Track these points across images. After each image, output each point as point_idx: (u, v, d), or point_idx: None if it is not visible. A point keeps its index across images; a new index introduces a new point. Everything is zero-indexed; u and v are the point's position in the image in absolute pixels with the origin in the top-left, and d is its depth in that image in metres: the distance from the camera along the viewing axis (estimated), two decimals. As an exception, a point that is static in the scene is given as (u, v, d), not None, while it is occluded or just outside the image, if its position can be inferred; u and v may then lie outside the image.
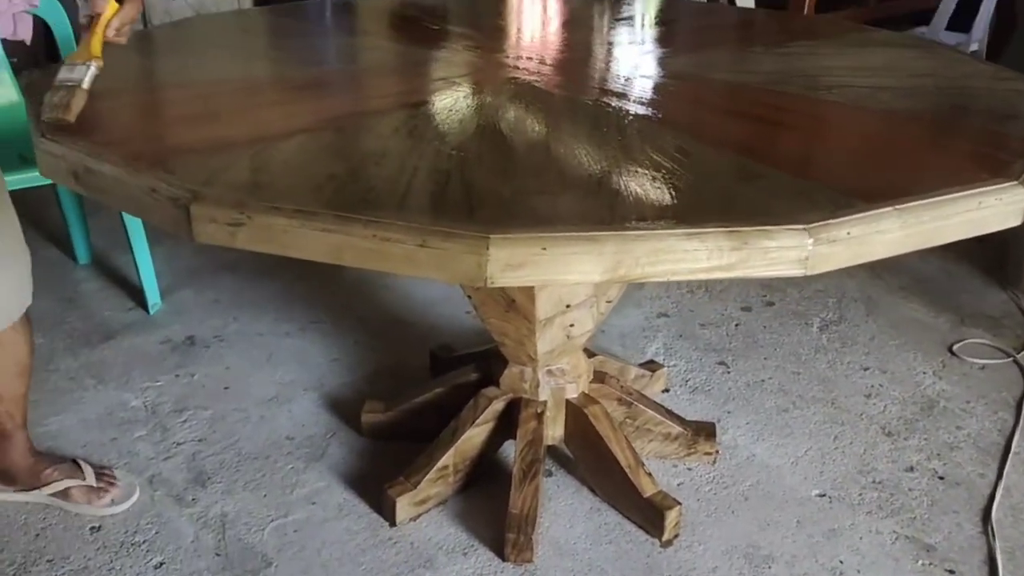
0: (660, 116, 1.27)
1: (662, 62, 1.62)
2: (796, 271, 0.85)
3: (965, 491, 1.66)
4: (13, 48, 2.27)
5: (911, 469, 1.72)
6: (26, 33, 2.35)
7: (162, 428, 1.82)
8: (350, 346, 2.11)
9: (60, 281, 2.40)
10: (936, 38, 3.30)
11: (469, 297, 1.55)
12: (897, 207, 0.88)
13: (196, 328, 2.18)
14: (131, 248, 2.21)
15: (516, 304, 1.49)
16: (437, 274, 0.83)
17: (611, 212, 0.89)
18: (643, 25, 1.91)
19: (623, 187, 0.95)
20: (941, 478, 1.70)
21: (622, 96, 1.35)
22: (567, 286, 1.45)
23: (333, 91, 1.43)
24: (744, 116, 1.28)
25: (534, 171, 1.04)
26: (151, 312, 2.25)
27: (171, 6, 3.74)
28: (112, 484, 1.59)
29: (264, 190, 0.94)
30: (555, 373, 1.63)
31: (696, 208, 0.92)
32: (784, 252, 0.84)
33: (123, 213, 2.15)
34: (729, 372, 2.03)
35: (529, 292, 1.46)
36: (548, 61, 1.60)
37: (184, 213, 0.87)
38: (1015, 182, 0.95)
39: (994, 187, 0.94)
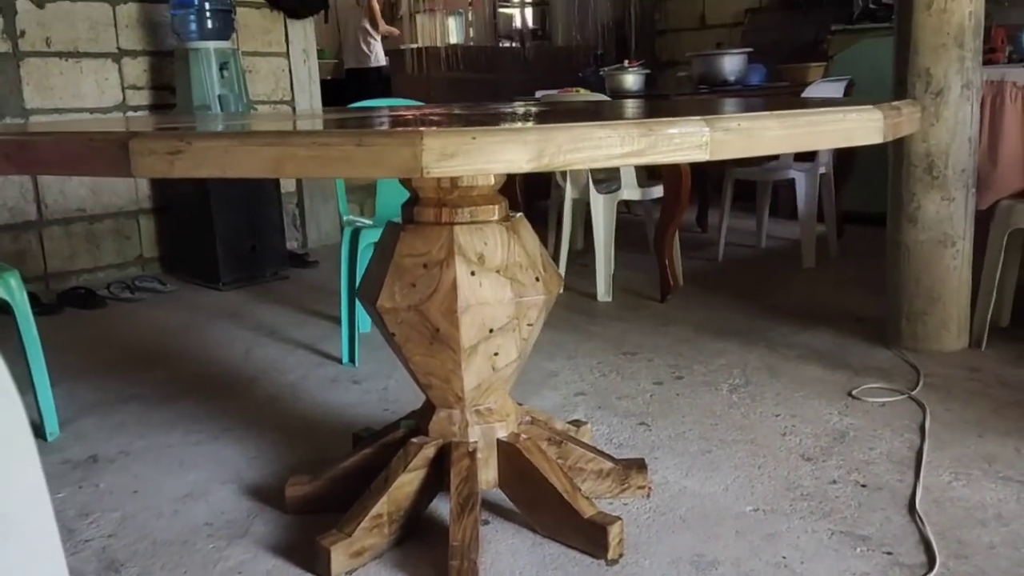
0: (561, 112, 1.40)
1: (552, 107, 1.79)
2: (699, 155, 0.94)
3: (888, 493, 1.71)
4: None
5: (834, 482, 1.76)
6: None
7: (66, 530, 1.69)
8: (268, 445, 2.05)
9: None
10: (788, 167, 3.66)
11: (392, 335, 1.56)
12: (776, 112, 1.01)
13: (99, 448, 2.08)
14: (30, 377, 2.12)
15: (440, 333, 1.52)
16: (374, 170, 0.88)
17: (533, 121, 0.98)
18: (527, 102, 2.10)
19: (539, 118, 1.05)
20: (863, 486, 1.75)
21: (522, 111, 1.48)
22: (488, 306, 1.50)
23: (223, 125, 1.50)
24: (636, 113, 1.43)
25: (461, 118, 1.13)
26: (49, 440, 2.13)
27: (65, 187, 3.79)
28: None
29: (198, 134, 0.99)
30: (483, 413, 1.64)
31: (608, 119, 1.02)
32: (686, 138, 0.94)
33: (23, 337, 2.10)
34: (650, 430, 2.07)
35: (453, 318, 1.50)
36: (448, 113, 1.75)
37: (123, 150, 0.90)
38: (873, 106, 1.10)
39: (857, 108, 1.08)
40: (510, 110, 1.73)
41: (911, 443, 1.94)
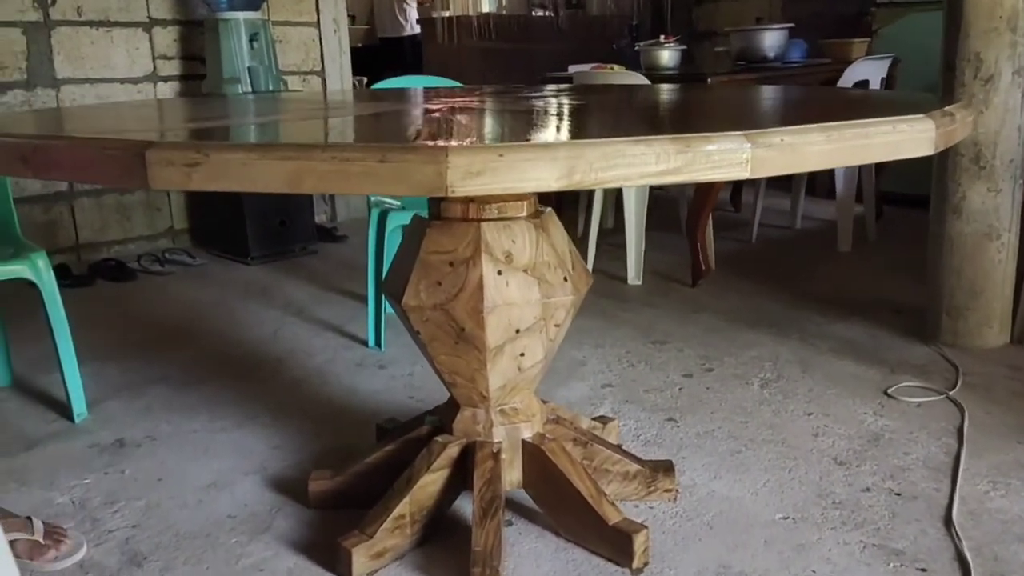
0: (595, 111, 1.34)
1: (578, 97, 1.72)
2: (739, 173, 0.89)
3: (923, 503, 1.66)
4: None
5: (868, 489, 1.72)
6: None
7: (91, 519, 1.69)
8: (292, 434, 2.04)
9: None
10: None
11: (417, 333, 1.53)
12: (822, 125, 0.95)
13: (125, 432, 2.08)
14: (58, 359, 2.13)
15: (466, 333, 1.49)
16: (398, 187, 0.84)
17: (564, 134, 0.93)
18: (559, 89, 2.03)
19: (570, 127, 1.00)
20: (898, 495, 1.70)
21: (550, 105, 1.43)
22: (515, 307, 1.46)
23: (251, 115, 1.45)
24: (670, 111, 1.36)
25: (486, 129, 1.08)
26: (76, 421, 2.14)
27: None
28: (59, 542, 1.54)
29: (214, 139, 0.95)
30: (508, 413, 1.61)
31: (642, 130, 0.97)
32: (726, 155, 0.89)
33: (51, 320, 2.10)
34: (678, 426, 2.03)
35: (478, 318, 1.46)
36: (477, 103, 1.69)
37: (140, 161, 0.87)
38: (924, 115, 1.04)
39: (907, 117, 1.02)
40: (541, 100, 1.68)
41: (948, 448, 1.88)
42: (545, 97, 1.78)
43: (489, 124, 1.16)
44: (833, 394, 2.18)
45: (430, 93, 2.02)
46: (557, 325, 1.54)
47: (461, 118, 1.31)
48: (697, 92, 1.81)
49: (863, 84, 3.46)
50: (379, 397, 2.25)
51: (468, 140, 0.94)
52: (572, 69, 3.87)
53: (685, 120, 1.20)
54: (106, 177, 0.91)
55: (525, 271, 1.48)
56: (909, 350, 2.47)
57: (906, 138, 1.01)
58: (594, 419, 1.93)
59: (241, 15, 3.70)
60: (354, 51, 4.95)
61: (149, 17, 3.90)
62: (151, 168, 0.87)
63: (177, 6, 3.97)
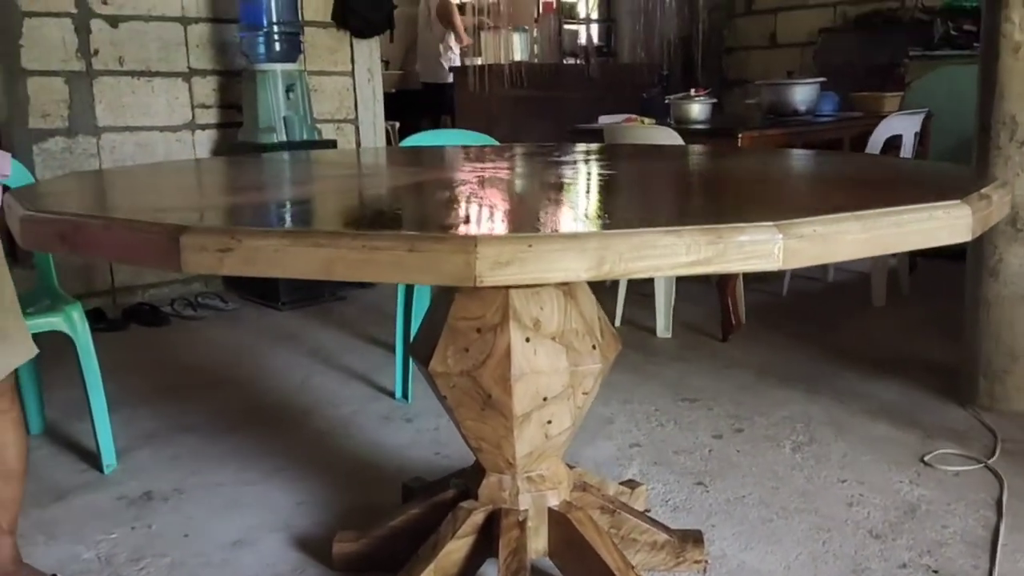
0: (625, 184, 1.34)
1: (608, 166, 1.72)
2: (770, 265, 0.88)
3: (962, 581, 1.62)
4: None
5: (904, 566, 1.67)
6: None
7: (116, 577, 1.70)
8: (318, 489, 2.03)
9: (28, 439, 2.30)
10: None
11: (444, 398, 1.53)
12: (856, 214, 0.94)
13: (153, 484, 2.09)
14: (89, 409, 2.15)
15: (492, 400, 1.48)
16: (426, 277, 0.84)
17: (592, 221, 0.93)
18: (587, 154, 2.04)
19: (598, 210, 1.00)
20: (935, 572, 1.65)
21: (580, 178, 1.43)
22: (543, 375, 1.45)
23: (301, 185, 1.47)
24: (700, 184, 1.36)
25: (513, 211, 1.08)
26: (106, 472, 2.16)
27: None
28: None
29: (247, 223, 0.96)
30: (535, 480, 1.59)
31: (672, 218, 0.97)
32: (757, 246, 0.88)
33: (83, 371, 2.12)
34: (708, 491, 1.99)
35: (505, 385, 1.46)
36: (505, 170, 1.70)
37: (174, 244, 0.88)
38: (960, 201, 1.02)
39: (942, 203, 1.01)
40: (571, 168, 1.69)
41: (986, 521, 1.83)
42: (575, 162, 1.78)
43: (518, 201, 1.17)
44: (868, 460, 2.14)
45: (460, 155, 2.04)
46: (585, 393, 1.53)
47: (490, 193, 1.31)
48: (727, 159, 1.81)
49: (896, 140, 3.44)
50: (405, 452, 2.24)
51: (497, 226, 0.94)
52: (603, 121, 3.89)
53: (715, 198, 1.19)
54: (142, 260, 0.92)
55: (553, 339, 1.47)
56: (945, 413, 2.42)
57: (942, 225, 1.00)
58: (622, 483, 1.90)
59: (278, 67, 3.78)
60: (387, 96, 5.03)
61: (189, 67, 3.99)
62: (184, 252, 0.88)
63: (217, 56, 4.06)
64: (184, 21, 3.95)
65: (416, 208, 1.01)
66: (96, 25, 3.72)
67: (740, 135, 3.06)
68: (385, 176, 1.58)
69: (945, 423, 2.35)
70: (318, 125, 4.23)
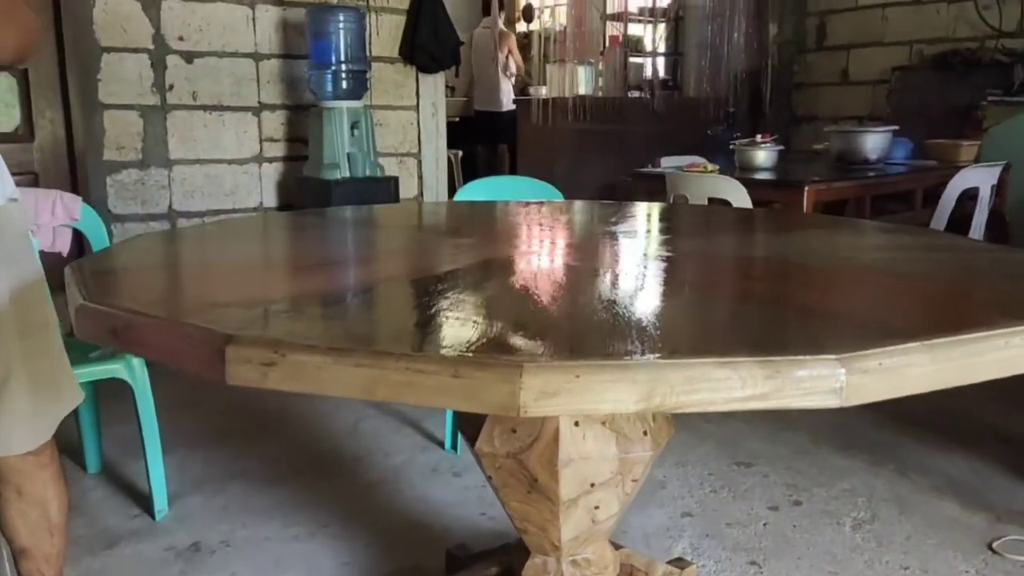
0: (677, 279, 1.30)
1: (672, 244, 1.68)
2: (831, 402, 0.84)
3: None
4: (47, 261, 2.38)
5: (970, 672, 1.58)
6: (64, 246, 2.47)
7: (160, 635, 1.71)
8: (361, 549, 2.02)
9: (68, 490, 2.35)
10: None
11: (489, 478, 1.50)
12: (925, 342, 0.88)
13: (202, 534, 2.10)
14: (144, 454, 2.18)
15: (539, 484, 1.44)
16: (469, 404, 0.82)
17: (642, 347, 0.89)
18: (650, 220, 2.00)
19: (651, 329, 0.96)
20: None
21: (638, 267, 1.39)
22: (591, 461, 1.42)
23: (359, 266, 1.47)
24: (761, 278, 1.32)
25: (562, 319, 1.05)
26: (157, 518, 2.18)
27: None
28: None
29: (297, 335, 0.95)
30: (580, 564, 1.55)
31: (727, 343, 0.93)
32: (817, 382, 0.83)
33: (140, 416, 2.16)
34: (762, 572, 1.92)
35: (552, 470, 1.42)
36: (562, 245, 1.66)
37: (219, 355, 0.88)
38: (1038, 324, 0.96)
39: (1019, 328, 0.94)
40: (631, 241, 1.65)
41: (1061, 624, 1.73)
42: (634, 233, 1.75)
43: (568, 303, 1.14)
44: (932, 544, 2.04)
45: (512, 221, 2.01)
46: (635, 480, 1.49)
47: (541, 288, 1.29)
48: (791, 239, 1.75)
49: (972, 192, 3.32)
50: (451, 511, 2.22)
51: (546, 342, 0.92)
52: (665, 164, 3.85)
53: (775, 301, 1.14)
54: (188, 367, 0.92)
55: (603, 424, 1.43)
56: (1016, 493, 2.30)
57: (1020, 353, 0.94)
58: (671, 562, 1.84)
59: (344, 104, 3.83)
60: (451, 125, 5.06)
61: (259, 102, 4.07)
62: (229, 365, 0.87)
63: (286, 92, 4.13)
64: (257, 57, 4.04)
65: (462, 312, 0.99)
66: (172, 60, 3.82)
67: (807, 188, 2.98)
68: (436, 255, 1.57)
69: (1016, 505, 2.23)
70: (381, 159, 4.27)
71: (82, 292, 1.10)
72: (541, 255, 1.50)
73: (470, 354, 0.85)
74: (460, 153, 6.93)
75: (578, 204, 2.25)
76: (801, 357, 0.84)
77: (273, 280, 1.31)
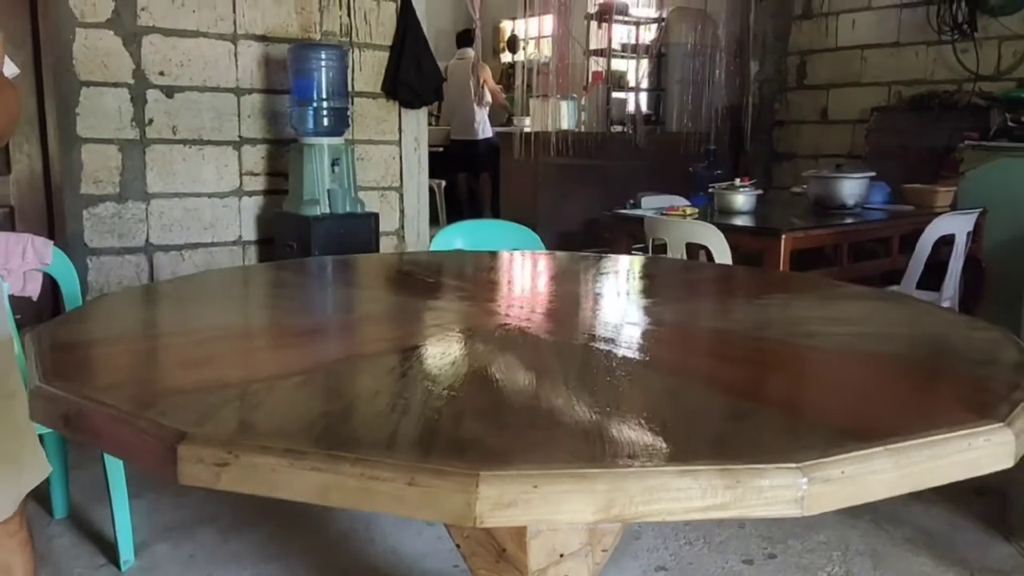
0: (648, 359, 1.30)
1: (647, 310, 1.68)
2: (792, 511, 0.83)
3: None
4: (19, 304, 2.35)
5: None
6: (34, 290, 2.44)
7: None
8: (331, 606, 1.99)
9: (34, 536, 2.30)
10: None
11: (458, 546, 1.48)
12: (888, 447, 0.88)
13: (168, 587, 2.07)
14: (110, 501, 2.15)
15: (507, 553, 1.43)
16: (425, 514, 0.80)
17: (602, 450, 0.88)
18: (628, 278, 2.00)
19: (613, 427, 0.95)
20: None
21: (610, 341, 1.38)
22: (560, 532, 1.40)
23: (328, 337, 1.47)
24: (729, 360, 1.31)
25: (524, 411, 1.04)
26: (123, 569, 2.14)
27: (178, 268, 3.93)
28: None
29: (254, 429, 0.94)
30: (548, 633, 1.53)
31: (688, 447, 0.92)
32: (779, 491, 0.82)
33: (106, 465, 2.13)
34: (733, 634, 1.91)
35: (521, 540, 1.41)
36: (537, 310, 1.66)
37: (172, 453, 0.86)
38: (1002, 424, 0.96)
39: (983, 428, 0.94)
40: (610, 305, 1.65)
41: None
42: (615, 296, 1.75)
43: (532, 394, 1.14)
44: (905, 604, 2.03)
45: (488, 279, 2.01)
46: (604, 550, 1.47)
47: (507, 372, 1.28)
48: (767, 308, 1.75)
49: (949, 238, 3.34)
50: (423, 563, 2.19)
51: (504, 446, 0.91)
52: (645, 204, 3.86)
53: (740, 394, 1.13)
54: (140, 462, 0.90)
55: (573, 495, 1.42)
56: (989, 548, 2.30)
57: (984, 454, 0.93)
58: (642, 626, 1.83)
59: (325, 141, 3.82)
60: (435, 154, 5.07)
61: (240, 136, 4.05)
62: (181, 463, 0.85)
63: (267, 126, 4.12)
64: (238, 92, 4.02)
65: (422, 406, 0.98)
66: (152, 95, 3.80)
67: (784, 235, 2.99)
68: (408, 324, 1.56)
69: (988, 561, 2.23)
70: (362, 194, 4.26)
71: (38, 370, 1.08)
72: (510, 329, 1.48)
73: (427, 462, 0.83)
74: (443, 183, 6.95)
75: (553, 261, 2.25)
76: (762, 466, 0.83)
77: (238, 356, 1.29)
